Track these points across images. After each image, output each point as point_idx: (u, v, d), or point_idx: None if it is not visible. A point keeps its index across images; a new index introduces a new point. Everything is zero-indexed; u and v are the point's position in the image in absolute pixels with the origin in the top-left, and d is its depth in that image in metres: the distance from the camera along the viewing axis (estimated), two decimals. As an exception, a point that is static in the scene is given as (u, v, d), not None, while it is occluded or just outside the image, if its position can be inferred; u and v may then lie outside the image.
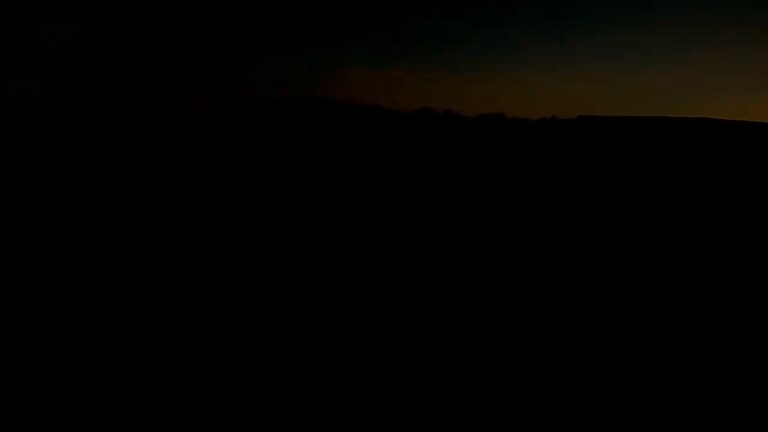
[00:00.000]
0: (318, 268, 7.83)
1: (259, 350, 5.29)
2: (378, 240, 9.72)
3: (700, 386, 4.76)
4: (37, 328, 5.62)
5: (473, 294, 7.04)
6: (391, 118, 38.43)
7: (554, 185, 18.11)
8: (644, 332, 5.81)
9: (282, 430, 4.14)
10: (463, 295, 6.98)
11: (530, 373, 4.94)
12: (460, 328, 5.93)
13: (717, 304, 6.65)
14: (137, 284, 6.92)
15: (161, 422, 4.19)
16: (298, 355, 5.20)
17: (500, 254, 8.87)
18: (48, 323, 5.75)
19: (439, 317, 6.27)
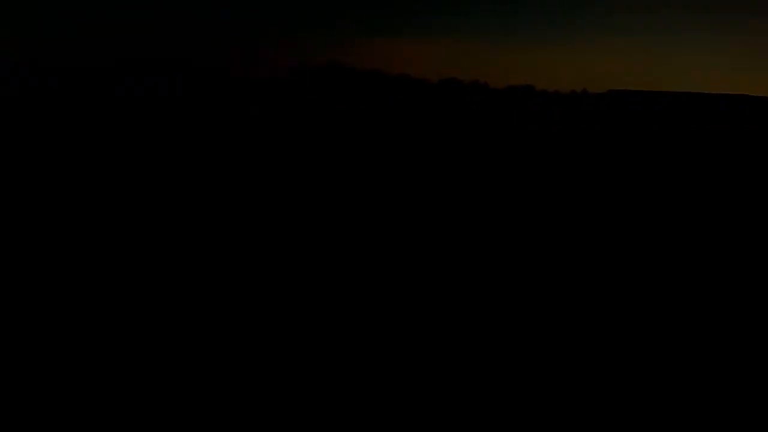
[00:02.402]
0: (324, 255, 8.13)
1: (259, 350, 5.36)
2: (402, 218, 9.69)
3: (701, 387, 4.84)
4: (34, 329, 5.67)
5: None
6: (417, 88, 37.74)
7: (583, 164, 17.78)
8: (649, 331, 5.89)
9: (282, 430, 4.22)
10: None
11: (530, 373, 5.03)
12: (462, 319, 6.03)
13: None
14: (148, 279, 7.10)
15: (161, 422, 4.23)
16: (298, 355, 5.28)
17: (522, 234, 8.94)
18: (45, 323, 5.80)
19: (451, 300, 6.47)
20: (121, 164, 14.07)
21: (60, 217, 9.81)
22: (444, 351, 5.43)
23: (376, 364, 5.17)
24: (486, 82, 39.89)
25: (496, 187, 12.98)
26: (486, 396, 4.69)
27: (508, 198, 11.90)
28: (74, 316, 6.02)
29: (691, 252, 8.63)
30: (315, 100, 23.40)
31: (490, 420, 4.38)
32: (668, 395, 4.76)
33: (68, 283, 6.93)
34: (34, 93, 20.85)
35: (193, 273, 7.49)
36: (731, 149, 19.50)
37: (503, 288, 7.14)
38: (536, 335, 5.81)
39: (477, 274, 7.76)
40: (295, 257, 8.23)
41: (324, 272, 7.65)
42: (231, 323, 5.92)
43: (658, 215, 10.84)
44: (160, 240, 8.81)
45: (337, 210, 10.78)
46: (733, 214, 10.85)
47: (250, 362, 5.15)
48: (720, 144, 20.14)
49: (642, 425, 4.37)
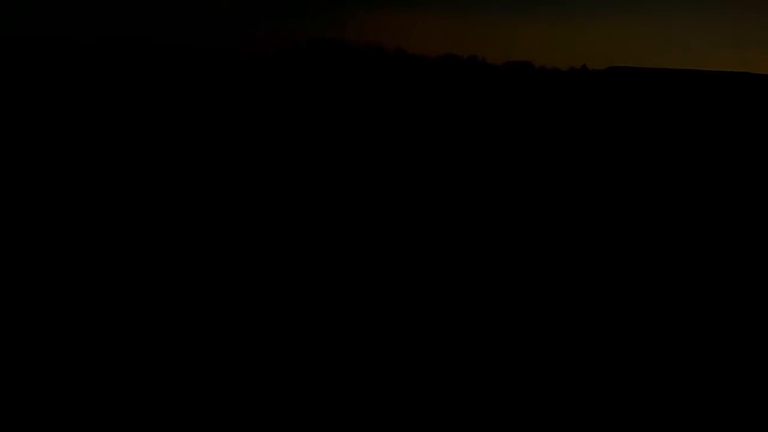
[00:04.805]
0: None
1: (259, 349, 5.27)
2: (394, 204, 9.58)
3: (701, 387, 4.76)
4: (34, 328, 5.56)
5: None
6: (414, 64, 37.45)
7: (581, 143, 17.71)
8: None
9: (282, 430, 4.16)
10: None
11: (530, 374, 4.94)
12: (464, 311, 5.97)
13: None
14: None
15: (161, 422, 4.17)
16: (298, 355, 5.19)
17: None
18: (45, 322, 5.68)
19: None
20: (121, 163, 14.03)
21: (60, 217, 9.67)
22: (443, 349, 5.30)
23: (376, 362, 5.06)
24: (484, 57, 39.54)
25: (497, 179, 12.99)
26: (486, 396, 4.58)
27: (509, 193, 11.90)
28: (73, 314, 5.88)
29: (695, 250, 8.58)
30: (313, 100, 23.56)
31: (490, 419, 4.28)
32: (668, 395, 4.66)
33: (68, 281, 6.76)
34: (34, 93, 21.06)
35: (194, 270, 7.30)
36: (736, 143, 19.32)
37: (503, 285, 7.07)
38: (536, 333, 5.73)
39: (477, 270, 7.70)
40: (296, 255, 8.11)
41: (325, 268, 7.54)
42: (231, 321, 5.79)
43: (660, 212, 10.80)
44: (160, 238, 8.67)
45: (336, 208, 10.72)
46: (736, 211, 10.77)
47: (250, 361, 5.05)
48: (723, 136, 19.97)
49: (642, 425, 4.26)
